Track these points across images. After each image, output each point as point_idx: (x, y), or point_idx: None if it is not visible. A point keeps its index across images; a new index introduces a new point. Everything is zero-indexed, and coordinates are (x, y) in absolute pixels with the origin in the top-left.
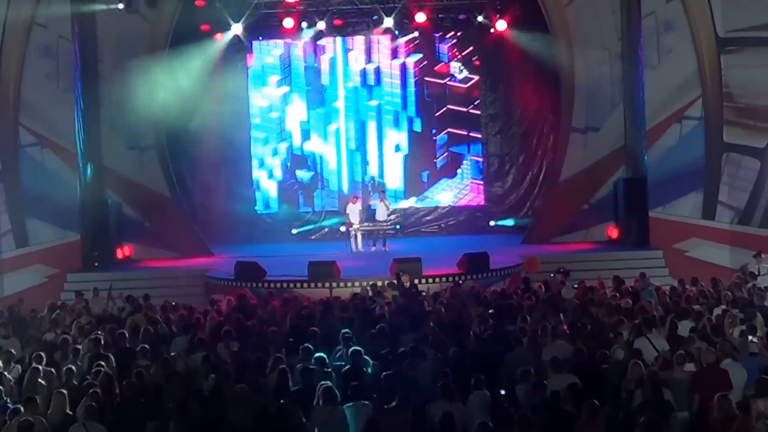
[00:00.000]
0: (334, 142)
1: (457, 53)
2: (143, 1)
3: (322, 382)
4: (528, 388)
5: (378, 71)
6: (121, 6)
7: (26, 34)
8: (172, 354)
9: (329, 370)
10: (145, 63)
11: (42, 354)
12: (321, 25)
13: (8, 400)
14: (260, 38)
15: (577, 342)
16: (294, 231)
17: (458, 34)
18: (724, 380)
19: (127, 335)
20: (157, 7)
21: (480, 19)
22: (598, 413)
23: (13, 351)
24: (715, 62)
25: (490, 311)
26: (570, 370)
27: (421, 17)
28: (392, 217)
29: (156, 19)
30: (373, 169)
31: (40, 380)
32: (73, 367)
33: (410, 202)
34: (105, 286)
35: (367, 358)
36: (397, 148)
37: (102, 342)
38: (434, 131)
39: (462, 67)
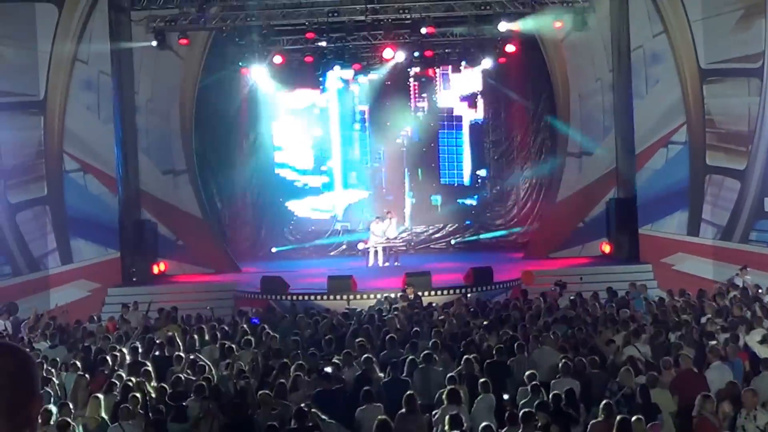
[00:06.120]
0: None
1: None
2: (176, 39)
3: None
4: (528, 391)
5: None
6: (154, 43)
7: (69, 70)
8: (201, 362)
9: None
10: (178, 95)
11: (85, 361)
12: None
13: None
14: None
15: (568, 349)
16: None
17: (462, 64)
18: (701, 383)
19: (162, 344)
20: (188, 45)
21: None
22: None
23: (58, 359)
24: (698, 91)
25: (489, 320)
26: (568, 375)
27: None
28: (404, 234)
29: (188, 55)
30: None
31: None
32: (114, 373)
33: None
34: (142, 300)
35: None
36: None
37: (139, 350)
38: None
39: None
